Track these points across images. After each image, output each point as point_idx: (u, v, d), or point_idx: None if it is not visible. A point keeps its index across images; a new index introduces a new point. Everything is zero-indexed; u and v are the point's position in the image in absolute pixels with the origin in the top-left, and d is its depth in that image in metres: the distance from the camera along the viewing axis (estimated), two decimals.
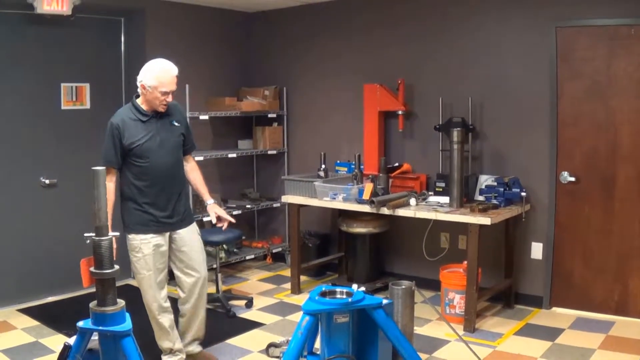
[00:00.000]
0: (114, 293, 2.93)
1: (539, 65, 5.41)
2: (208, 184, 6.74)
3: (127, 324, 2.92)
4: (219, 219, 4.44)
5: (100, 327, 2.88)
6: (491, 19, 5.65)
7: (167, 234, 4.17)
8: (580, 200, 5.39)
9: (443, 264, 5.65)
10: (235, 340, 4.95)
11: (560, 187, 5.44)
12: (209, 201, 4.49)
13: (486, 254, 5.57)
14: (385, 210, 5.36)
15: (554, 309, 5.56)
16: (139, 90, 4.06)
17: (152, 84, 4.00)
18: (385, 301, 4.00)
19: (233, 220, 4.50)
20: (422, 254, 6.03)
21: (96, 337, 2.95)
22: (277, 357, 4.49)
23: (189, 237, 4.29)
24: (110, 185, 3.98)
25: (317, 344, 4.18)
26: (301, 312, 3.81)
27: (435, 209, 5.29)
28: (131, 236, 4.09)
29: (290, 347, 3.70)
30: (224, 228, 4.44)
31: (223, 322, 5.36)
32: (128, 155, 4.02)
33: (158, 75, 4.01)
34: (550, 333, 5.02)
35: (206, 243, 5.95)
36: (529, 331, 5.09)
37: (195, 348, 4.49)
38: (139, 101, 4.08)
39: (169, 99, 4.05)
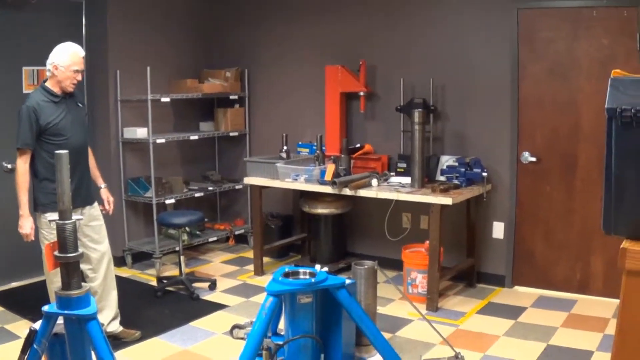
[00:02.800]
0: (78, 277, 2.94)
1: (501, 47, 5.46)
2: (170, 166, 6.83)
3: (92, 308, 2.94)
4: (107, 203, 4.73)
5: (66, 311, 2.90)
6: (454, 0, 5.72)
7: (79, 210, 4.32)
8: (541, 180, 5.47)
9: (405, 244, 5.67)
10: (199, 323, 4.97)
11: (522, 167, 5.51)
12: (102, 185, 4.72)
13: (448, 233, 5.63)
14: (347, 191, 5.38)
15: (516, 287, 5.64)
16: (48, 73, 4.27)
17: (66, 62, 4.22)
18: (348, 281, 4.02)
19: (109, 210, 4.70)
20: (385, 234, 6.07)
21: (61, 322, 2.98)
22: (242, 338, 4.51)
23: (97, 212, 4.51)
24: (27, 167, 4.20)
25: (282, 325, 4.21)
26: (265, 293, 3.82)
27: (397, 189, 5.31)
28: (48, 214, 4.18)
29: (254, 328, 3.72)
30: (110, 213, 4.68)
31: (187, 304, 5.37)
32: (43, 135, 4.21)
33: (71, 55, 4.25)
34: (513, 312, 5.09)
35: (168, 225, 5.98)
36: (492, 310, 5.15)
37: (117, 327, 4.63)
38: (48, 85, 4.29)
39: (79, 77, 4.30)
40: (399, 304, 5.32)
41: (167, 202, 6.32)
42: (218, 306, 5.32)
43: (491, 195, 5.60)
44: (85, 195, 4.41)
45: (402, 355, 4.27)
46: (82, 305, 2.92)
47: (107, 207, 4.66)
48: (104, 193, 4.70)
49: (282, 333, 4.21)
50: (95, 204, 4.52)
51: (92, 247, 4.46)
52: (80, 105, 4.45)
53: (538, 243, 5.55)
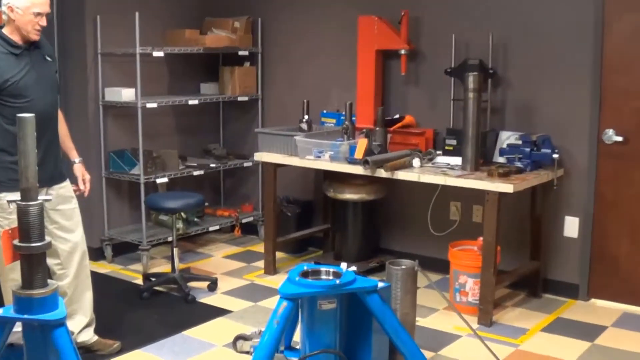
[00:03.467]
0: (43, 272, 2.91)
1: None
2: (163, 137, 6.81)
3: (61, 311, 2.91)
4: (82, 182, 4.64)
5: (26, 316, 2.86)
6: None
7: (44, 189, 4.22)
8: (628, 165, 5.40)
9: (453, 241, 5.67)
10: (194, 332, 4.97)
11: (604, 148, 5.46)
12: (76, 159, 4.63)
13: (507, 229, 5.60)
14: (382, 173, 5.38)
15: (593, 300, 5.61)
16: (4, 17, 4.18)
17: (23, 3, 4.13)
18: (381, 284, 4.02)
19: (85, 191, 4.61)
20: (427, 227, 6.06)
21: (19, 329, 2.94)
22: (247, 352, 4.51)
23: (68, 193, 4.44)
24: None
25: (297, 337, 4.20)
26: (277, 297, 3.83)
27: (444, 172, 5.31)
28: (4, 194, 4.10)
29: (263, 340, 3.73)
30: (85, 194, 4.60)
31: (180, 308, 5.39)
32: (0, 95, 4.12)
33: None
34: (589, 331, 5.05)
35: (160, 210, 5.99)
36: (561, 328, 5.12)
37: (91, 337, 4.59)
38: (5, 32, 4.19)
39: (43, 22, 4.19)
40: (443, 315, 5.31)
41: (159, 181, 6.32)
42: (219, 311, 5.33)
43: (563, 182, 5.56)
44: (52, 171, 4.32)
45: None
46: (47, 308, 2.89)
47: (81, 186, 4.59)
48: (79, 169, 4.63)
49: (298, 347, 4.21)
50: (67, 182, 4.45)
51: (61, 237, 4.38)
52: (48, 59, 4.35)
53: (622, 245, 5.49)
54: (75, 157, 4.62)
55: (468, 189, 5.19)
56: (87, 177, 4.64)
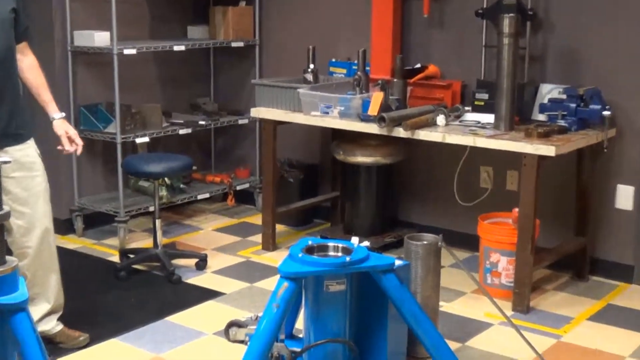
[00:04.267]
0: (1, 247, 2.91)
1: None
2: (143, 90, 6.79)
3: (22, 293, 2.90)
4: (69, 140, 4.48)
5: None
6: None
7: None
8: None
9: (483, 212, 5.69)
10: (180, 317, 5.00)
11: None
12: (56, 115, 4.50)
13: (548, 199, 5.58)
14: (400, 132, 5.39)
15: None
16: None
17: None
18: (398, 262, 4.05)
19: (77, 148, 4.48)
20: (454, 196, 6.08)
21: None
22: (242, 341, 4.48)
23: (31, 158, 4.34)
24: None
25: (300, 324, 4.22)
26: (277, 277, 3.83)
27: (473, 131, 5.31)
28: None
29: (260, 328, 3.73)
30: (73, 150, 4.47)
31: (163, 290, 5.44)
32: None
33: None
34: None
35: (140, 175, 5.98)
36: (612, 317, 5.13)
37: (54, 326, 4.59)
38: None
39: None
40: (472, 299, 5.35)
41: (139, 141, 6.34)
42: (209, 294, 5.37)
43: (615, 144, 5.56)
44: (4, 128, 4.23)
45: None
46: (5, 290, 2.89)
47: (67, 146, 4.47)
48: (60, 126, 4.48)
49: (301, 335, 4.23)
50: (28, 145, 4.34)
51: (17, 211, 4.29)
52: None
53: None
54: (54, 112, 4.50)
55: (502, 152, 5.18)
56: (73, 131, 4.49)
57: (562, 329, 4.92)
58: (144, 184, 6.62)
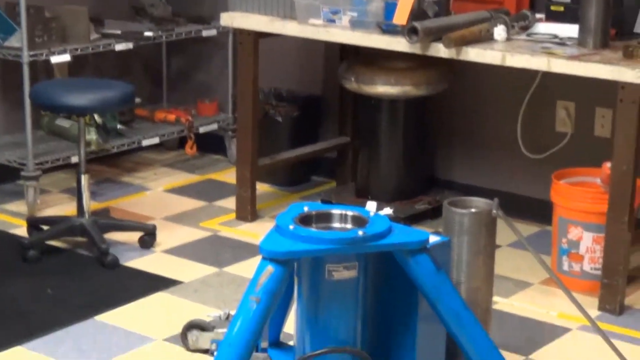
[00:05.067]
0: None
1: None
2: None
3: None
4: None
5: None
6: None
7: None
8: None
9: (560, 168, 5.69)
10: (116, 316, 5.03)
11: None
12: None
13: None
14: (440, 50, 5.42)
15: None
16: None
17: None
18: (434, 239, 4.07)
19: None
20: (517, 145, 6.14)
21: None
22: (206, 350, 4.58)
23: None
24: None
25: (290, 327, 4.22)
26: (258, 258, 3.81)
27: (547, 49, 5.31)
28: None
29: (233, 331, 3.72)
30: None
31: (92, 277, 5.47)
32: None
33: None
34: None
35: (58, 110, 5.97)
36: None
37: None
38: None
39: None
40: (540, 293, 5.39)
41: (55, 60, 6.36)
42: (158, 282, 5.42)
43: None
44: None
45: None
46: None
47: None
48: None
49: (291, 342, 4.24)
50: None
51: None
52: None
53: None
54: None
55: (588, 81, 5.17)
56: None
57: None
58: (63, 123, 6.61)
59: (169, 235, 5.97)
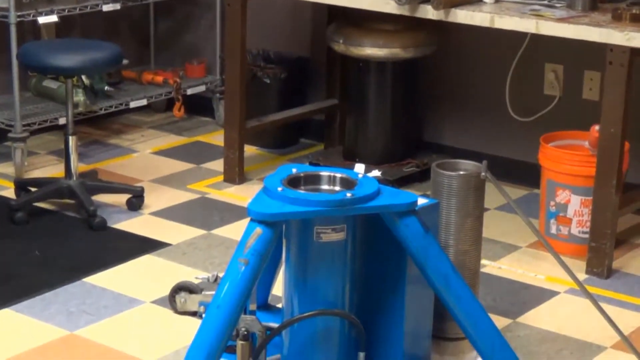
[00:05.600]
0: None
1: None
2: None
3: None
4: None
5: None
6: None
7: None
8: None
9: (548, 131, 5.70)
10: (104, 278, 5.04)
11: None
12: None
13: None
14: (428, 12, 5.41)
15: None
16: None
17: None
18: (423, 201, 4.07)
19: None
20: (505, 107, 6.16)
21: None
22: (194, 312, 4.58)
23: None
24: None
25: (278, 289, 4.24)
26: (246, 220, 3.81)
27: (536, 11, 5.30)
28: None
29: (221, 294, 3.72)
30: None
31: (80, 239, 5.48)
32: None
33: None
34: None
35: (45, 71, 5.96)
36: None
37: None
38: None
39: None
40: (528, 256, 5.41)
41: (42, 20, 6.33)
42: (146, 244, 5.44)
43: None
44: None
45: None
46: None
47: None
48: None
49: (280, 305, 4.23)
50: None
51: None
52: None
53: None
54: None
55: (576, 43, 5.17)
56: None
57: None
58: (50, 84, 6.60)
59: (156, 198, 5.98)
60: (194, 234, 5.55)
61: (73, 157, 5.73)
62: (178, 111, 7.12)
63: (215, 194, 6.06)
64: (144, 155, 6.67)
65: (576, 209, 5.37)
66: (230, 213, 5.76)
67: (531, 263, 5.30)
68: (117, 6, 6.68)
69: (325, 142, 6.82)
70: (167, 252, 5.34)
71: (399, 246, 3.94)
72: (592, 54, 5.30)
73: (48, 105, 6.60)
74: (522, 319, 4.76)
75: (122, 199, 5.85)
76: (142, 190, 5.90)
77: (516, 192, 6.02)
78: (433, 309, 4.25)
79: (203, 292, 4.59)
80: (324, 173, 4.05)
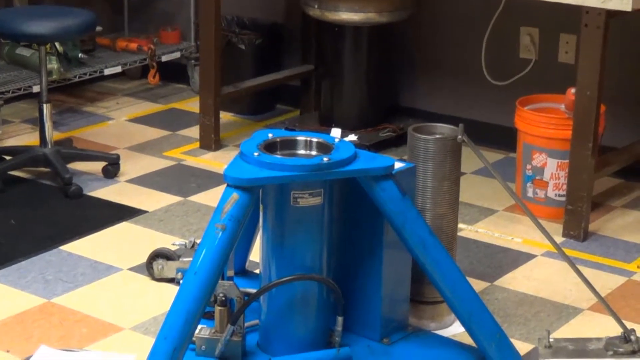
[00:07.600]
0: None
1: None
2: None
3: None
4: None
5: None
6: None
7: None
8: None
9: (524, 95, 5.71)
10: (81, 246, 5.04)
11: None
12: None
13: (619, 77, 5.66)
14: None
15: None
16: None
17: None
18: (399, 165, 4.08)
19: None
20: (481, 71, 6.17)
21: None
22: (171, 279, 4.59)
23: None
24: None
25: (255, 254, 4.26)
26: (222, 186, 3.81)
27: None
28: None
29: (199, 260, 3.72)
30: None
31: (56, 207, 5.49)
32: None
33: None
34: None
35: (18, 38, 5.94)
36: None
37: None
38: None
39: None
40: (505, 220, 5.43)
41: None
42: (122, 212, 5.44)
43: None
44: None
45: (508, 328, 4.32)
46: None
47: None
48: None
49: (257, 271, 4.23)
50: None
51: None
52: None
53: None
54: None
55: (552, 6, 5.16)
56: None
57: (633, 263, 4.98)
58: (23, 52, 6.58)
59: (132, 165, 5.98)
60: (170, 200, 5.55)
61: (47, 125, 5.73)
62: (153, 78, 7.10)
63: (191, 161, 6.07)
64: (119, 123, 6.66)
65: (552, 172, 5.39)
66: (207, 179, 5.77)
67: (508, 226, 5.33)
68: None
69: (301, 107, 6.83)
70: (144, 219, 5.34)
71: (376, 210, 3.95)
72: (568, 17, 5.31)
73: (21, 73, 6.58)
74: (499, 282, 4.78)
75: (97, 166, 5.85)
76: (117, 157, 5.90)
77: (492, 156, 6.04)
78: (410, 272, 4.26)
79: (180, 259, 4.58)
80: (301, 138, 4.05)
